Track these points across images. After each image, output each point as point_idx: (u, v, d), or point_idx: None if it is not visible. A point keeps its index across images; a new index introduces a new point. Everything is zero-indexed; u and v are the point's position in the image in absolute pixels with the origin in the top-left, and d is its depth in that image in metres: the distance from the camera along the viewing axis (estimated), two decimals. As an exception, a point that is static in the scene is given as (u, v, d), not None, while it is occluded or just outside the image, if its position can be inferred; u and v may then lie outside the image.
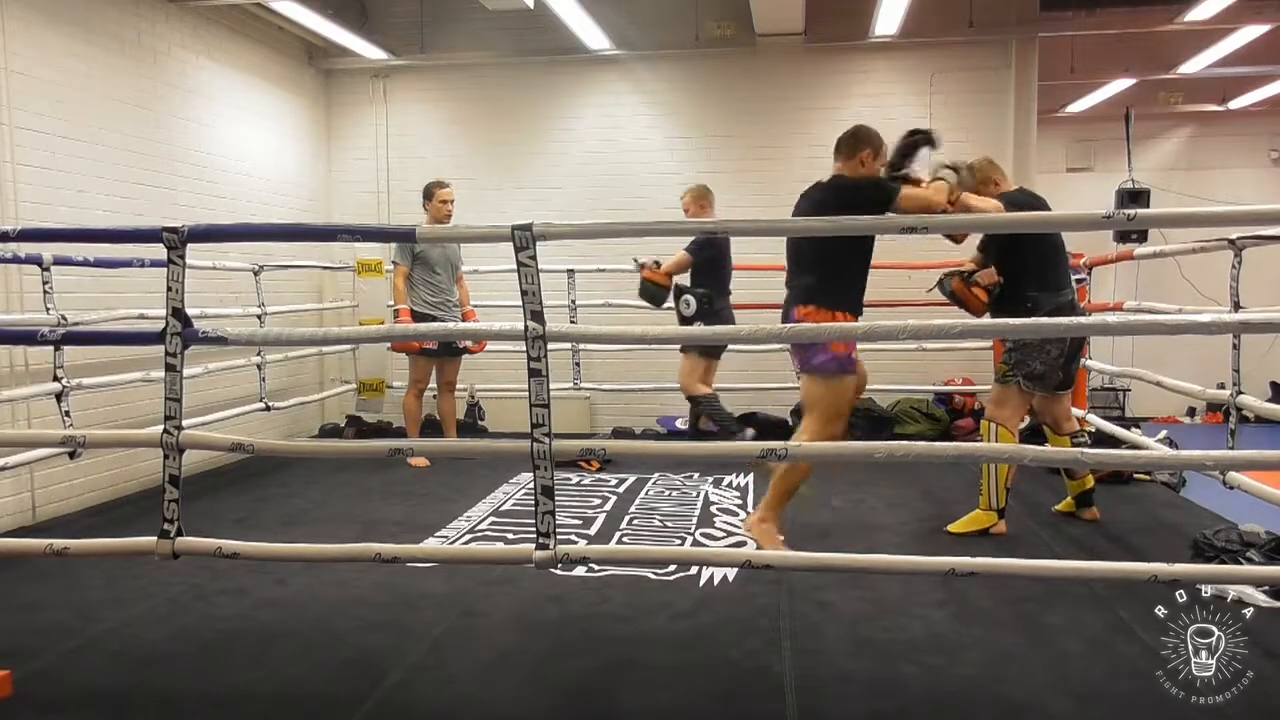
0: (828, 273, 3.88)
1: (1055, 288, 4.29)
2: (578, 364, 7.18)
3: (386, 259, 6.61)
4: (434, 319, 5.98)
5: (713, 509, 4.96)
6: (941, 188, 3.86)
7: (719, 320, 5.60)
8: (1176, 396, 7.96)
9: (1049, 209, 4.50)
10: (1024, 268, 4.27)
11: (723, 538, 4.45)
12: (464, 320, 6.25)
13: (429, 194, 6.09)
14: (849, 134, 4.05)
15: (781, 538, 4.06)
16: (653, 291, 5.72)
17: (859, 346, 4.16)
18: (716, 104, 7.72)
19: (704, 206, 5.82)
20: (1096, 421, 5.61)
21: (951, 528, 4.46)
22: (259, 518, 4.92)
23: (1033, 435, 6.42)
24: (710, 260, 5.73)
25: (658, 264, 5.70)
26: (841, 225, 3.24)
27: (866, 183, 3.90)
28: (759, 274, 7.23)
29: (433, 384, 6.26)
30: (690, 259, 5.68)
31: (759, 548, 3.96)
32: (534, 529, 2.78)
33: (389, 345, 6.68)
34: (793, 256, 4.01)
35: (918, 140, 3.97)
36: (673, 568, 3.84)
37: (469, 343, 6.17)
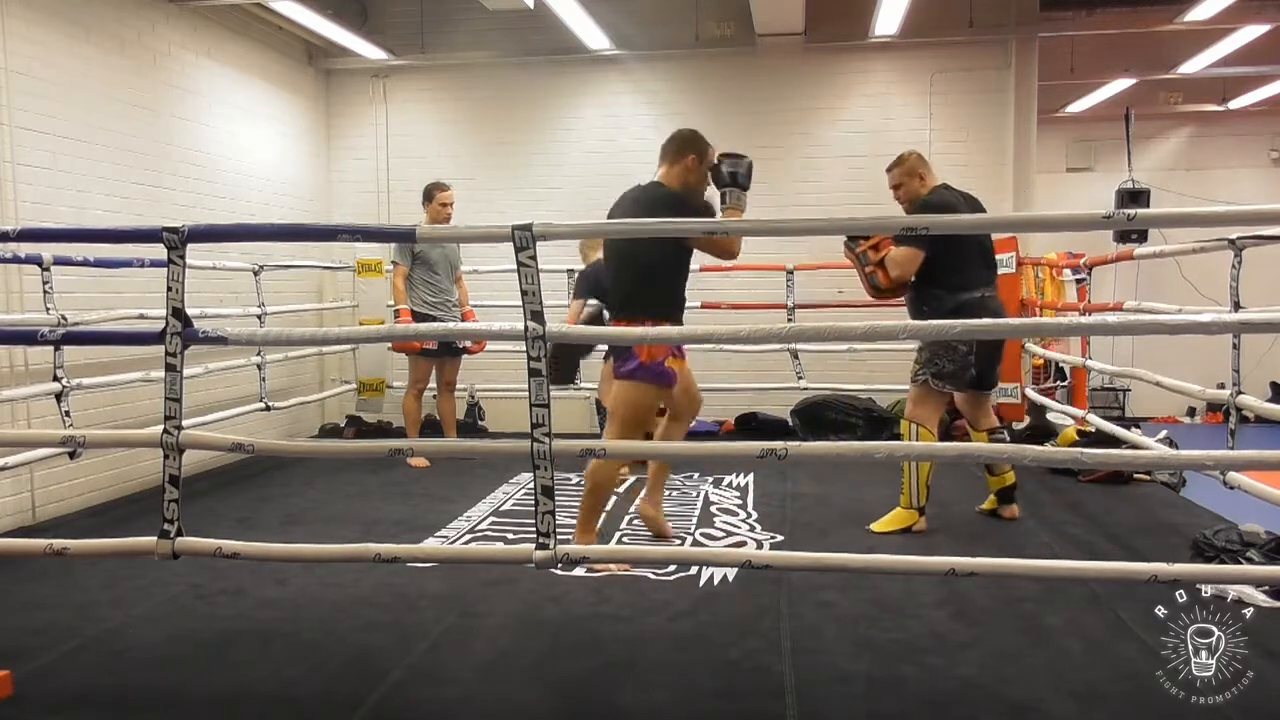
0: (642, 280, 3.87)
1: (958, 287, 4.27)
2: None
3: (386, 259, 6.61)
4: (434, 319, 5.98)
5: (713, 509, 4.96)
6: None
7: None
8: (1176, 396, 7.96)
9: (979, 205, 4.51)
10: (931, 268, 4.23)
11: (723, 538, 4.45)
12: (463, 320, 6.25)
13: (429, 195, 6.09)
14: (676, 137, 4.02)
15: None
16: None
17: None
18: (716, 104, 7.72)
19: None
20: (1096, 421, 5.60)
21: (874, 526, 4.49)
22: (259, 518, 4.92)
23: (1033, 436, 6.44)
24: (591, 288, 5.47)
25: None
26: (839, 224, 3.25)
27: (674, 202, 3.83)
28: (759, 274, 7.25)
29: (432, 384, 6.26)
30: (582, 303, 5.40)
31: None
32: (534, 529, 2.78)
33: (389, 345, 6.68)
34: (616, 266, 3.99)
35: (720, 166, 3.83)
36: (673, 568, 3.84)
37: (468, 343, 6.17)
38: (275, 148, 7.30)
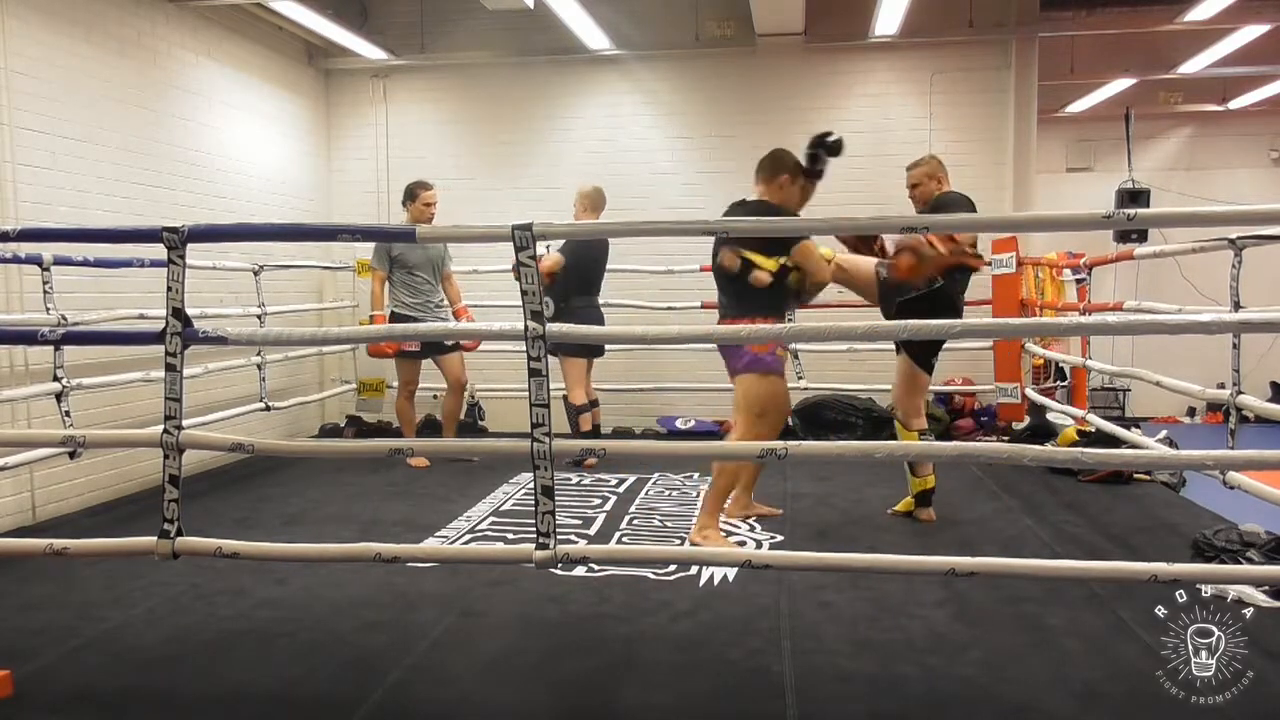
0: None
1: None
2: (578, 364, 7.17)
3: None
4: (412, 320, 5.94)
5: (713, 509, 4.95)
6: (822, 262, 4.24)
7: (574, 318, 5.65)
8: (1176, 396, 7.96)
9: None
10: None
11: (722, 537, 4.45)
12: (457, 318, 6.22)
13: (411, 195, 6.04)
14: (769, 157, 4.35)
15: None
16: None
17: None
18: (716, 104, 7.72)
19: (584, 210, 6.02)
20: (1096, 421, 5.60)
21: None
22: (259, 518, 4.92)
23: (1033, 436, 6.44)
24: (572, 260, 5.88)
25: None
26: (838, 224, 3.24)
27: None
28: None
29: (431, 385, 6.24)
30: (562, 259, 5.84)
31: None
32: (534, 529, 2.78)
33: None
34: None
35: (818, 150, 4.27)
36: (673, 568, 3.84)
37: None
38: (275, 148, 7.29)
